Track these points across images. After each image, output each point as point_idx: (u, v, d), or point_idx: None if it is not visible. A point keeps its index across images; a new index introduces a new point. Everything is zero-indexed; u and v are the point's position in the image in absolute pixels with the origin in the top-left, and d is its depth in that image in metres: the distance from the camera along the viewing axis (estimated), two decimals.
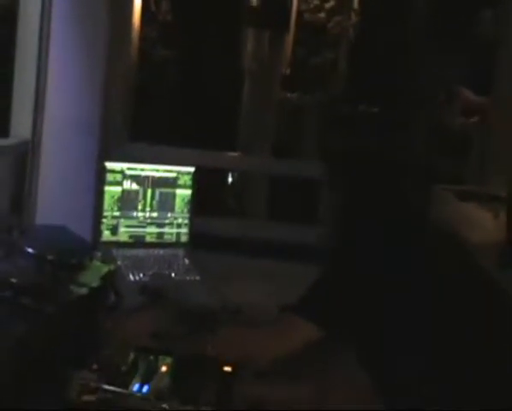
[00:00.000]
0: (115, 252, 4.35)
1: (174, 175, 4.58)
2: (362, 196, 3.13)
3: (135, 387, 2.70)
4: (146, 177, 4.53)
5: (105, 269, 3.61)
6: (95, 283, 3.39)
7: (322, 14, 12.99)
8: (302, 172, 6.08)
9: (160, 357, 2.94)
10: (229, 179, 8.95)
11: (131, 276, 4.08)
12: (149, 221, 4.55)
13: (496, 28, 8.05)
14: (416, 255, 3.12)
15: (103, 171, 4.49)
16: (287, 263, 4.73)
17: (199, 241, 4.65)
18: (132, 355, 2.91)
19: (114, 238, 4.47)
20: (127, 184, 4.48)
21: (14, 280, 3.10)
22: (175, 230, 4.59)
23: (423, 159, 3.53)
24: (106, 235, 4.47)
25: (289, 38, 10.79)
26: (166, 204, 4.56)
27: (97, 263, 3.67)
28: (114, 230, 4.48)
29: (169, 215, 4.57)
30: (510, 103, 7.28)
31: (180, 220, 4.60)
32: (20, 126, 4.82)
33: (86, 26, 4.78)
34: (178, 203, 4.58)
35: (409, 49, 8.73)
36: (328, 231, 3.33)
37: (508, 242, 6.25)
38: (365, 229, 3.11)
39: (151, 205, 4.53)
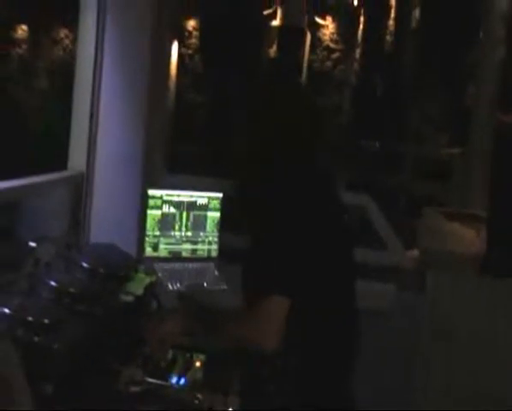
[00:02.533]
0: (156, 265, 4.36)
1: (205, 200, 4.59)
2: None
3: (174, 380, 2.71)
4: (182, 202, 4.54)
5: (148, 280, 3.63)
6: (139, 292, 3.41)
7: (328, 63, 13.02)
8: None
9: (194, 354, 2.95)
10: None
11: (169, 286, 4.09)
12: (184, 239, 4.56)
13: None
14: None
15: (145, 197, 4.52)
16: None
17: (226, 255, 4.65)
18: (170, 352, 2.92)
19: (155, 254, 4.48)
20: (165, 208, 4.50)
21: (71, 289, 3.12)
22: (206, 247, 4.60)
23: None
24: (148, 251, 4.48)
25: (301, 81, 10.78)
26: (199, 224, 4.57)
27: (141, 275, 3.69)
28: (155, 247, 4.49)
29: (201, 234, 4.58)
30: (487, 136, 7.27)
31: (210, 238, 4.60)
32: (76, 160, 4.84)
33: (131, 76, 4.80)
34: (209, 223, 4.59)
35: (402, 93, 8.73)
36: None
37: (488, 255, 6.24)
38: None
39: (186, 226, 4.54)
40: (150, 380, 2.66)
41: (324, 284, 2.92)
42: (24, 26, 16.69)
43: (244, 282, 2.95)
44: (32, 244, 3.69)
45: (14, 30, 16.72)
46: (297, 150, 3.00)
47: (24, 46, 16.84)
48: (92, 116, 4.80)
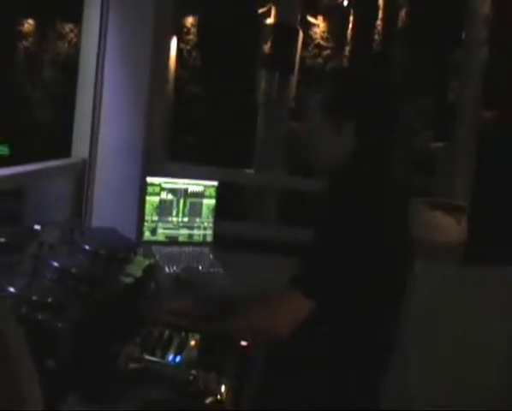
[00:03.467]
0: (154, 249, 4.36)
1: (201, 188, 4.59)
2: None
3: (170, 358, 2.71)
4: (179, 190, 4.54)
5: (146, 262, 3.62)
6: (138, 274, 3.40)
7: (320, 60, 13.01)
8: (302, 186, 6.09)
9: (189, 334, 2.95)
10: (246, 191, 8.95)
11: (167, 269, 4.09)
12: (181, 224, 4.56)
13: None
14: None
15: (144, 185, 4.52)
16: (290, 258, 4.73)
17: (221, 240, 4.65)
18: (167, 332, 2.92)
19: (153, 238, 4.48)
20: (163, 195, 4.50)
21: (74, 271, 3.11)
22: (202, 232, 4.60)
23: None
24: (147, 235, 4.48)
25: (294, 78, 10.80)
26: (195, 211, 4.57)
27: (139, 258, 3.69)
28: (153, 232, 4.50)
29: (197, 220, 4.58)
30: (470, 132, 7.27)
31: (206, 224, 4.60)
32: (80, 148, 4.84)
33: (132, 69, 4.79)
34: (204, 210, 4.59)
35: (391, 88, 8.70)
36: None
37: (469, 243, 6.23)
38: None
39: (182, 212, 4.54)
40: (148, 358, 2.66)
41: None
42: (30, 21, 16.69)
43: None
44: (37, 227, 3.69)
45: (22, 24, 16.72)
46: None
47: (30, 39, 16.84)
48: (94, 106, 4.79)
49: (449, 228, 6.88)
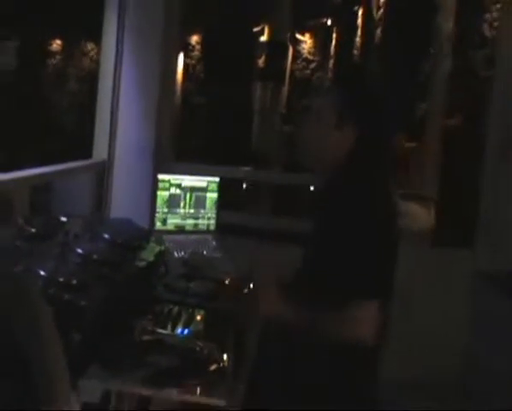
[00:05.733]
0: (164, 237, 4.34)
1: (205, 183, 4.58)
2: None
3: (179, 331, 2.71)
4: (186, 185, 4.53)
5: (158, 249, 3.62)
6: (150, 259, 3.40)
7: (308, 72, 13.00)
8: (294, 181, 6.08)
9: (196, 309, 2.94)
10: (244, 185, 8.93)
11: (175, 254, 4.07)
12: (188, 215, 4.54)
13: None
14: None
15: (156, 181, 4.50)
16: (283, 246, 4.73)
17: (223, 229, 4.64)
18: (176, 308, 2.91)
19: (163, 227, 4.46)
20: (172, 190, 4.48)
21: (95, 256, 3.11)
22: (206, 222, 4.58)
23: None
24: (158, 225, 4.46)
25: (285, 88, 10.80)
26: (200, 203, 4.56)
27: (152, 244, 3.68)
28: (163, 222, 4.48)
29: (201, 211, 4.57)
30: (437, 134, 7.26)
31: (209, 214, 4.59)
32: (100, 150, 4.83)
33: (144, 81, 4.79)
34: (208, 203, 4.58)
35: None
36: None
37: (437, 229, 6.22)
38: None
39: (189, 205, 4.53)
40: (159, 331, 2.65)
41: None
42: (59, 41, 16.76)
43: (333, 282, 2.91)
44: (64, 218, 3.68)
45: (51, 44, 16.78)
46: None
47: (58, 57, 16.91)
48: (112, 114, 4.79)
49: (419, 215, 6.89)
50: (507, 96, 5.05)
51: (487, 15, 8.49)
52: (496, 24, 7.62)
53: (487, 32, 8.44)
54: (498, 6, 6.69)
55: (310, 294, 2.98)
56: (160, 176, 4.51)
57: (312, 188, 6.41)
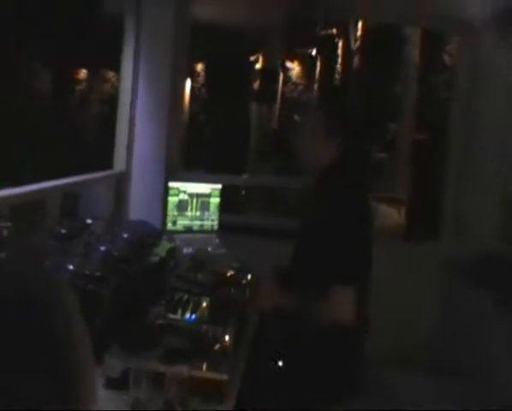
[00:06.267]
0: (174, 236, 4.33)
1: (209, 190, 4.57)
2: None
3: (187, 316, 2.70)
4: (193, 192, 4.52)
5: (169, 246, 3.61)
6: (163, 255, 3.39)
7: (296, 93, 13.02)
8: (284, 185, 6.07)
9: (202, 297, 2.92)
10: (242, 191, 8.93)
11: (184, 250, 4.05)
12: (194, 217, 4.53)
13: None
14: None
15: (167, 188, 4.50)
16: (276, 242, 4.71)
17: (224, 229, 4.63)
18: (185, 297, 2.90)
19: (174, 228, 4.45)
20: (181, 196, 4.48)
21: (115, 253, 3.09)
22: (210, 223, 4.57)
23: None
24: (169, 226, 4.44)
25: (277, 106, 10.82)
26: (204, 207, 4.54)
27: (164, 242, 3.67)
28: (174, 223, 4.47)
29: (206, 214, 4.55)
30: (406, 146, 7.27)
31: (213, 217, 4.57)
32: (119, 162, 4.81)
33: (157, 103, 4.78)
34: (212, 207, 4.56)
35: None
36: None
37: (407, 226, 6.21)
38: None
39: (195, 208, 4.52)
40: (170, 316, 2.64)
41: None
42: (84, 70, 16.88)
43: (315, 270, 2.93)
44: (89, 221, 3.67)
45: (78, 73, 16.92)
46: None
47: (84, 83, 17.04)
48: (129, 131, 4.78)
49: (391, 215, 6.89)
50: (463, 113, 5.08)
51: (447, 46, 8.50)
52: (454, 53, 7.63)
53: (447, 60, 8.45)
54: (455, 39, 6.71)
55: (299, 282, 2.98)
56: (170, 184, 4.50)
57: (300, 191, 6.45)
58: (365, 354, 3.12)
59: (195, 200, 4.52)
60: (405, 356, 4.56)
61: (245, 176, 8.79)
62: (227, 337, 2.50)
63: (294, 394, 2.94)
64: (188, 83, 12.03)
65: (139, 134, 4.84)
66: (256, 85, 11.23)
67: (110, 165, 4.87)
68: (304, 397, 2.93)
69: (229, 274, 3.33)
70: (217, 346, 2.46)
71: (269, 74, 10.86)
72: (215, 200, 4.58)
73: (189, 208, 4.50)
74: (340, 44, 11.67)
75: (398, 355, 4.49)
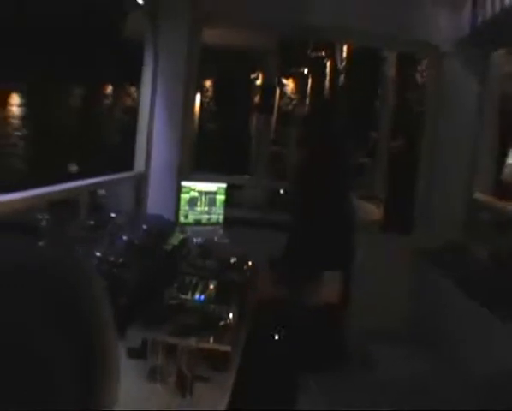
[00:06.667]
0: (186, 228, 4.33)
1: (215, 188, 4.56)
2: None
3: (196, 297, 2.70)
4: (202, 190, 4.51)
5: (181, 236, 3.61)
6: (176, 243, 3.40)
7: (290, 106, 13.00)
8: (280, 186, 6.06)
9: (209, 281, 2.93)
10: (244, 189, 8.90)
11: (194, 240, 4.05)
12: (203, 212, 4.52)
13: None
14: None
15: (180, 187, 4.49)
16: (273, 233, 4.71)
17: (228, 222, 4.63)
18: (195, 280, 2.90)
19: (185, 221, 4.43)
20: (192, 193, 4.47)
21: (136, 242, 3.10)
22: (216, 216, 4.55)
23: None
24: (181, 219, 4.43)
25: (274, 118, 10.79)
26: (211, 203, 4.53)
27: (177, 233, 3.67)
28: (185, 217, 4.45)
29: (213, 209, 4.54)
30: (383, 152, 7.26)
31: (218, 211, 4.56)
32: (139, 165, 4.81)
33: (171, 114, 4.78)
34: (218, 203, 4.55)
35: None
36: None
37: (384, 220, 6.20)
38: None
39: (204, 204, 4.51)
40: (182, 296, 2.64)
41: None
42: (110, 86, 16.93)
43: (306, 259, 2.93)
44: (113, 214, 3.67)
45: (104, 88, 16.96)
46: None
47: (110, 97, 17.08)
48: (148, 137, 4.78)
49: (371, 211, 6.87)
50: (432, 125, 5.08)
51: (419, 67, 8.50)
52: (424, 73, 7.63)
53: (419, 79, 8.45)
54: (425, 60, 6.71)
55: (293, 269, 2.99)
56: (183, 183, 4.49)
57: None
58: (349, 329, 3.13)
59: (204, 197, 4.51)
60: (383, 330, 4.57)
61: (246, 177, 8.81)
62: (230, 314, 2.50)
63: (288, 363, 2.95)
64: (198, 97, 12.00)
65: (156, 140, 4.83)
66: (256, 99, 11.22)
67: (131, 167, 4.87)
68: (297, 366, 2.94)
69: (232, 261, 3.33)
70: (222, 322, 2.46)
71: (267, 89, 10.81)
72: (221, 197, 4.57)
73: (199, 204, 4.50)
74: (328, 64, 11.65)
75: (378, 329, 4.50)
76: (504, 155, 5.43)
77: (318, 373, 2.94)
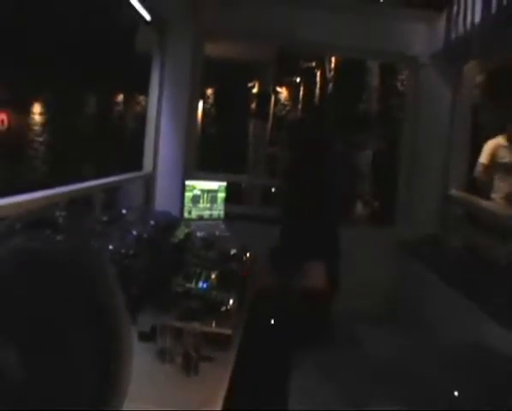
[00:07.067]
0: (190, 222, 4.32)
1: (216, 186, 4.54)
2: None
3: (200, 284, 2.69)
4: (204, 188, 4.50)
5: (186, 230, 3.59)
6: (181, 237, 3.38)
7: (283, 112, 12.98)
8: (274, 184, 6.06)
9: (211, 270, 2.92)
10: (243, 187, 8.89)
11: (198, 234, 4.04)
12: (205, 208, 4.49)
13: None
14: None
15: (184, 185, 4.46)
16: (269, 227, 4.70)
17: (229, 217, 4.61)
18: (198, 269, 2.89)
19: (189, 216, 4.40)
20: (195, 191, 4.44)
21: (145, 235, 3.09)
22: (217, 212, 4.53)
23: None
24: (186, 215, 4.41)
25: (269, 123, 10.77)
26: (213, 200, 4.52)
27: (182, 228, 3.65)
28: (189, 213, 4.43)
29: (214, 205, 4.52)
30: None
31: (220, 208, 4.54)
32: (147, 165, 4.81)
33: (176, 119, 4.78)
34: (219, 200, 4.53)
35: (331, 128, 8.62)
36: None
37: (370, 215, 6.19)
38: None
39: (206, 201, 4.49)
40: (187, 285, 2.64)
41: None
42: (121, 95, 16.94)
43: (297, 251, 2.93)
44: (124, 211, 3.66)
45: (116, 97, 16.97)
46: None
47: (121, 105, 17.08)
48: (155, 140, 4.78)
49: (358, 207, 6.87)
50: (412, 129, 5.10)
51: (399, 76, 8.51)
52: (404, 82, 7.63)
53: (400, 87, 8.45)
54: (405, 71, 6.73)
55: (285, 259, 3.00)
56: (187, 182, 4.47)
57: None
58: (337, 312, 3.13)
59: (206, 195, 4.49)
60: (368, 313, 4.59)
61: (244, 176, 8.81)
62: (231, 301, 2.50)
63: (281, 344, 2.95)
64: (201, 104, 12.01)
65: (162, 143, 4.83)
66: (253, 105, 11.21)
67: (140, 168, 4.86)
68: (289, 346, 2.95)
69: (232, 252, 3.32)
70: (224, 308, 2.45)
71: (263, 97, 10.82)
72: (221, 195, 4.55)
73: (201, 201, 4.48)
74: (318, 73, 11.65)
75: (363, 312, 4.51)
76: (476, 155, 5.45)
77: (307, 350, 2.96)
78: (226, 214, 4.58)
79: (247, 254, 3.33)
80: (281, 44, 5.60)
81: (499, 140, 5.35)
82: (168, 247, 3.15)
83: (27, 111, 16.55)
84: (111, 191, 5.12)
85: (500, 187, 5.29)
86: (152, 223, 3.45)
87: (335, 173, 4.06)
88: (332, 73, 10.71)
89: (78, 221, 3.29)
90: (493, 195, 5.30)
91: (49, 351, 0.91)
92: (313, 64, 11.88)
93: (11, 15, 11.62)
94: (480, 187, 5.38)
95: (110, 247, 2.76)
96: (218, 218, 4.56)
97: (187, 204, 4.44)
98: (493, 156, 5.33)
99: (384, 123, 8.48)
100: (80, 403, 0.92)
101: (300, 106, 12.87)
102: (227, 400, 1.96)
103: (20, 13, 11.62)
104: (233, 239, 3.89)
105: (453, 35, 4.21)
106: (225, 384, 2.03)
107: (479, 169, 5.40)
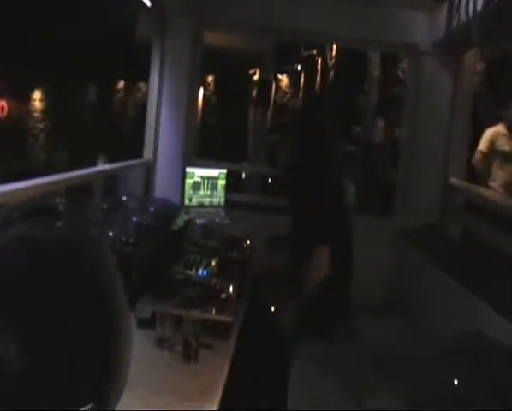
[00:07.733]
0: (190, 210, 4.32)
1: (217, 173, 4.54)
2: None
3: (200, 272, 2.69)
4: (204, 175, 4.49)
5: (186, 218, 3.60)
6: (181, 224, 3.38)
7: (285, 100, 12.95)
8: (273, 173, 6.05)
9: (211, 258, 2.92)
10: (243, 175, 8.90)
11: (198, 221, 4.04)
12: (205, 195, 4.51)
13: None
14: None
15: (184, 173, 4.48)
16: (269, 215, 4.71)
17: (229, 204, 4.62)
18: (198, 257, 2.89)
19: (190, 203, 4.42)
20: (196, 178, 4.45)
21: (144, 223, 3.09)
22: (217, 200, 4.54)
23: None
24: (186, 202, 4.42)
25: (270, 111, 10.75)
26: (213, 187, 4.52)
27: (182, 215, 3.66)
28: (190, 200, 4.44)
29: (214, 192, 4.53)
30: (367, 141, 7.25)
31: (220, 195, 4.55)
32: (147, 152, 4.80)
33: (176, 107, 4.78)
34: (219, 187, 4.54)
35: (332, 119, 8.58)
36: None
37: (370, 204, 6.20)
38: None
39: (206, 188, 4.50)
40: (187, 272, 2.64)
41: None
42: (122, 82, 16.93)
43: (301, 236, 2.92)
44: (124, 198, 3.66)
45: (117, 84, 16.96)
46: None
47: (122, 92, 17.08)
48: (156, 128, 4.77)
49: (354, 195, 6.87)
50: (412, 117, 5.08)
51: (400, 64, 8.47)
52: (406, 70, 7.60)
53: (401, 75, 8.42)
54: (407, 59, 6.70)
55: (294, 246, 3.02)
56: (187, 169, 4.48)
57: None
58: (338, 301, 3.13)
59: (206, 182, 4.50)
60: (367, 302, 4.59)
61: (245, 164, 8.80)
62: (231, 288, 2.50)
63: (280, 331, 2.95)
64: (201, 92, 11.98)
65: (163, 131, 4.83)
66: (253, 93, 11.17)
67: (140, 155, 4.86)
68: (290, 333, 2.95)
69: (232, 240, 3.33)
70: (223, 295, 2.46)
71: (264, 84, 10.79)
72: (222, 182, 4.56)
73: (202, 188, 4.49)
74: (319, 61, 11.60)
75: (362, 301, 4.52)
76: (476, 143, 5.44)
77: (308, 337, 2.97)
78: (226, 201, 4.58)
79: (247, 242, 3.34)
80: (282, 33, 5.57)
81: (499, 128, 5.34)
82: (168, 235, 3.16)
83: (27, 98, 16.53)
84: (111, 178, 5.13)
85: (498, 174, 5.29)
86: (152, 210, 3.46)
87: (337, 158, 4.06)
88: (333, 61, 10.67)
89: (78, 208, 3.29)
90: (491, 183, 5.30)
91: (49, 339, 0.90)
92: (314, 52, 11.83)
93: (10, 2, 11.58)
94: (479, 175, 5.38)
95: (110, 234, 2.76)
96: (219, 206, 4.55)
97: (188, 191, 4.44)
98: (492, 143, 5.32)
99: (385, 112, 8.46)
100: (80, 390, 0.92)
101: (300, 94, 12.84)
102: (226, 388, 1.96)
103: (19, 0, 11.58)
104: (233, 226, 3.89)
105: (454, 23, 4.19)
106: (225, 372, 2.03)
107: (477, 156, 5.40)
